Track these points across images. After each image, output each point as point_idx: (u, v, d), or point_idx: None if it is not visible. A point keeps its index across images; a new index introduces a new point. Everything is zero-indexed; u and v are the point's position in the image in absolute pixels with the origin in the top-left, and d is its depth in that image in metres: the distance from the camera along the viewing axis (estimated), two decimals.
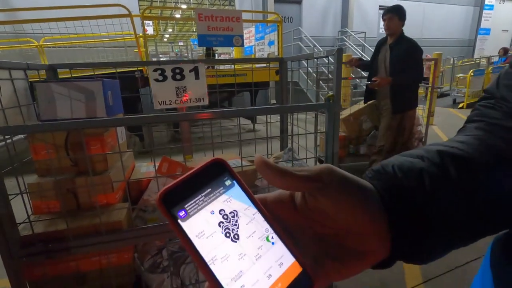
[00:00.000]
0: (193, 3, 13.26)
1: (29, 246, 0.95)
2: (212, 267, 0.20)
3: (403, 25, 2.77)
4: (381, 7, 10.34)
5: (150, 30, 7.68)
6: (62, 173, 1.14)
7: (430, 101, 3.92)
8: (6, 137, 0.99)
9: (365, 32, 8.66)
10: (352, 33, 8.62)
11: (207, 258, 0.20)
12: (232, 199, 0.22)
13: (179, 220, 0.20)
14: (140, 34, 4.75)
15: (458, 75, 7.89)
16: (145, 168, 1.49)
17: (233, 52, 8.50)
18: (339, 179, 0.24)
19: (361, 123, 3.34)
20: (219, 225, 0.21)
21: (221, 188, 0.22)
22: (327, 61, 1.18)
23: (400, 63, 2.56)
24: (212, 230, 0.21)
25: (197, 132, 5.03)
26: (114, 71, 1.55)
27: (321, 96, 6.05)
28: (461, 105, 7.84)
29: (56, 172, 1.11)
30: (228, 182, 0.23)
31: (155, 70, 1.46)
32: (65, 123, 0.93)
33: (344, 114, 3.29)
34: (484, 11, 12.22)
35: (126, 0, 7.00)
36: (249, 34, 6.15)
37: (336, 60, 1.07)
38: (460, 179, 0.27)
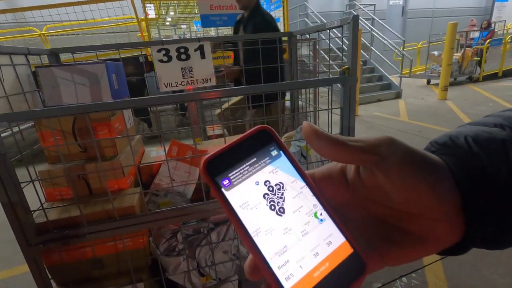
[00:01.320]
0: None
1: (45, 233, 0.95)
2: (256, 239, 0.19)
3: None
4: None
5: (152, 13, 7.50)
6: (71, 160, 1.12)
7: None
8: (13, 124, 0.97)
9: (374, 5, 8.25)
10: (360, 6, 8.22)
11: (250, 230, 0.19)
12: (278, 170, 0.21)
13: (222, 189, 0.19)
14: (142, 18, 4.63)
15: (432, 52, 7.47)
16: (155, 152, 1.47)
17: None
18: (402, 152, 0.21)
19: (240, 117, 2.41)
20: (264, 197, 0.20)
21: (267, 158, 0.21)
22: (341, 35, 1.09)
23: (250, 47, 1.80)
24: (257, 201, 0.20)
25: (206, 116, 4.99)
26: (118, 54, 1.50)
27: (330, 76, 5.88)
28: (476, 77, 7.52)
29: (65, 158, 1.09)
30: (274, 152, 0.21)
31: (159, 51, 1.40)
32: (69, 108, 0.90)
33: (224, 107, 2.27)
34: None
35: None
36: None
37: (352, 29, 0.99)
38: None
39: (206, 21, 4.23)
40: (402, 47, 7.00)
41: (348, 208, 0.23)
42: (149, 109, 2.02)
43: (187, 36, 12.03)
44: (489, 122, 0.25)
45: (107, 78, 1.17)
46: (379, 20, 7.53)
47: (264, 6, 5.53)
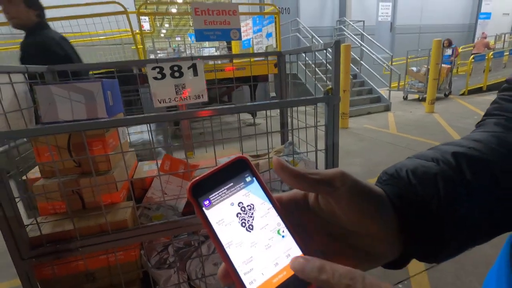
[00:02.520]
0: None
1: (38, 247, 0.97)
2: (227, 250, 0.23)
3: (38, 15, 1.88)
4: None
5: (146, 26, 7.62)
6: (66, 174, 1.15)
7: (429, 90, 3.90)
8: (10, 140, 1.00)
9: (363, 21, 8.55)
10: (350, 22, 8.52)
11: (224, 242, 0.23)
12: (250, 194, 0.25)
13: (203, 208, 0.24)
14: (137, 31, 4.71)
15: (410, 68, 7.74)
16: (148, 166, 1.50)
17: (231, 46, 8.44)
18: (350, 184, 0.25)
19: None
20: (237, 216, 0.24)
21: (242, 183, 0.25)
22: (325, 53, 1.19)
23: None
24: (231, 219, 0.24)
25: (197, 128, 5.04)
26: (113, 70, 1.55)
27: (320, 88, 6.02)
28: (462, 91, 7.79)
29: (60, 173, 1.12)
30: (248, 179, 0.25)
31: (153, 69, 1.46)
32: (66, 126, 0.94)
33: None
34: None
35: None
36: (247, 27, 6.09)
37: (334, 52, 1.07)
38: (476, 182, 0.27)
39: (200, 35, 4.32)
40: (390, 61, 7.24)
41: (308, 226, 0.27)
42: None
43: (181, 48, 12.20)
44: (428, 157, 0.30)
45: (102, 96, 1.22)
46: (367, 36, 7.79)
47: (257, 22, 5.70)
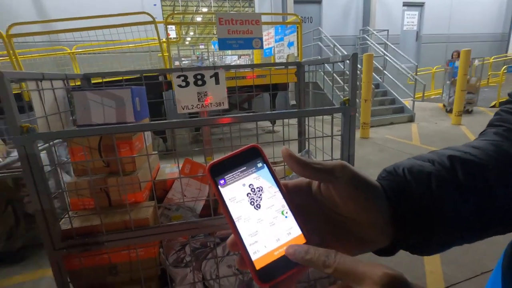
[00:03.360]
0: (213, 6, 13.52)
1: (69, 239, 1.06)
2: (237, 223, 0.27)
3: None
4: (405, 4, 10.01)
5: (172, 34, 7.94)
6: (95, 173, 1.25)
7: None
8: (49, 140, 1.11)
9: (387, 30, 8.42)
10: (374, 32, 8.41)
11: (234, 217, 0.27)
12: (260, 178, 0.29)
13: (219, 186, 0.27)
14: (163, 40, 4.94)
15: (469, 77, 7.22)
16: (169, 169, 1.58)
17: (253, 54, 8.58)
18: (350, 175, 0.28)
19: None
20: (247, 195, 0.28)
21: (254, 168, 0.29)
22: (344, 63, 1.22)
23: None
24: (242, 197, 0.28)
25: (217, 134, 5.15)
26: (141, 76, 1.66)
27: (341, 97, 5.97)
28: (493, 103, 7.42)
29: (90, 172, 1.22)
30: (259, 164, 0.29)
31: (178, 77, 1.55)
32: (99, 129, 1.03)
33: None
34: None
35: (150, 6, 7.30)
36: (268, 36, 6.19)
37: (351, 64, 1.10)
38: (469, 183, 0.30)
39: (223, 44, 4.45)
40: (415, 71, 7.06)
41: (309, 211, 0.30)
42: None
43: (205, 55, 12.56)
44: (425, 158, 0.33)
45: (131, 102, 1.31)
46: (391, 45, 7.65)
47: (279, 31, 5.78)
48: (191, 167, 1.40)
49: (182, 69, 1.55)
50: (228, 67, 2.04)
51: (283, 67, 2.25)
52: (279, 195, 0.29)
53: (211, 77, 1.59)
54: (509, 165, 0.31)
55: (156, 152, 1.55)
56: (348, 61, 1.15)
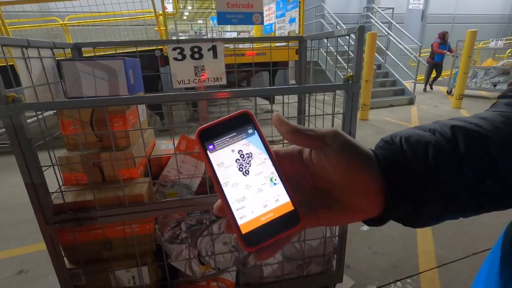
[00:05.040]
0: None
1: (61, 213, 1.04)
2: (224, 188, 0.27)
3: None
4: None
5: (169, 7, 7.62)
6: (88, 148, 1.21)
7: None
8: (38, 113, 1.06)
9: (393, 8, 8.13)
10: (378, 9, 8.12)
11: (222, 182, 0.27)
12: (250, 144, 0.28)
13: (207, 151, 0.27)
14: (160, 12, 4.73)
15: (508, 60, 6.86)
16: (165, 145, 1.54)
17: (253, 31, 8.30)
18: (341, 142, 0.27)
19: None
20: (236, 161, 0.27)
21: (244, 134, 0.28)
22: (348, 39, 1.15)
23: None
24: (230, 163, 0.27)
25: (214, 112, 5.07)
26: (135, 50, 1.58)
27: (341, 76, 5.86)
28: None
29: (82, 146, 1.18)
30: (250, 131, 0.28)
31: (174, 49, 1.47)
32: (89, 101, 0.98)
33: None
34: None
35: None
36: (269, 11, 5.95)
37: (357, 38, 1.03)
38: (470, 154, 0.28)
39: (222, 18, 4.25)
40: (418, 53, 6.90)
41: (300, 179, 0.30)
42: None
43: (203, 31, 12.16)
44: (427, 128, 0.31)
45: (124, 74, 1.25)
46: (396, 24, 7.42)
47: (280, 7, 5.55)
48: (187, 144, 1.36)
49: (178, 41, 1.48)
50: (226, 40, 1.95)
51: (285, 43, 2.14)
52: (268, 162, 0.28)
53: (208, 50, 1.52)
54: None
55: (152, 128, 1.51)
56: (353, 35, 1.08)
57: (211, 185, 1.30)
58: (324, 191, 0.29)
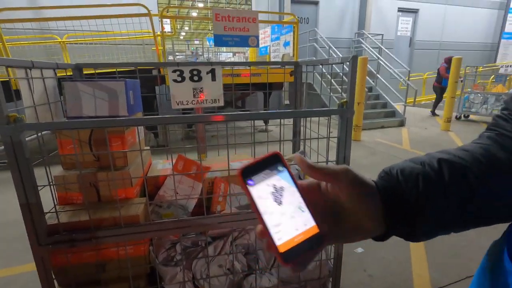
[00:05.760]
0: (210, 2, 13.39)
1: (55, 234, 1.02)
2: (264, 216, 0.33)
3: None
4: (400, 9, 10.15)
5: (167, 28, 7.82)
6: (85, 167, 1.21)
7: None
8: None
9: (382, 34, 8.52)
10: (369, 35, 8.49)
11: (261, 211, 0.33)
12: (281, 180, 0.35)
13: (248, 186, 0.33)
14: (158, 33, 4.85)
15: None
16: (161, 165, 1.55)
17: (248, 52, 8.54)
18: (351, 178, 0.34)
19: None
20: (271, 194, 0.34)
21: (275, 171, 0.35)
22: (342, 66, 1.22)
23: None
24: (267, 196, 0.34)
25: (210, 131, 5.10)
26: (135, 69, 1.62)
27: (335, 99, 6.01)
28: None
29: (80, 166, 1.18)
30: (280, 168, 0.35)
31: (174, 71, 1.51)
32: (90, 122, 0.99)
33: None
34: (510, 15, 11.76)
35: None
36: (265, 35, 6.17)
37: (351, 67, 1.09)
38: (453, 183, 0.35)
39: (219, 40, 4.40)
40: (407, 77, 7.17)
41: (319, 205, 0.36)
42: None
43: (199, 51, 12.43)
44: (418, 160, 0.38)
45: (125, 95, 1.28)
46: (385, 50, 7.74)
47: (275, 30, 5.77)
48: (184, 164, 1.37)
49: (178, 63, 1.52)
50: (225, 64, 2.02)
51: (280, 66, 2.22)
52: (296, 194, 0.34)
53: (207, 73, 1.57)
54: (491, 166, 0.36)
55: (149, 148, 1.52)
56: (348, 63, 1.14)
57: (208, 205, 1.30)
58: (340, 215, 0.36)
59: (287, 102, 8.05)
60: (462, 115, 7.12)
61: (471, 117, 7.12)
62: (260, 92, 6.06)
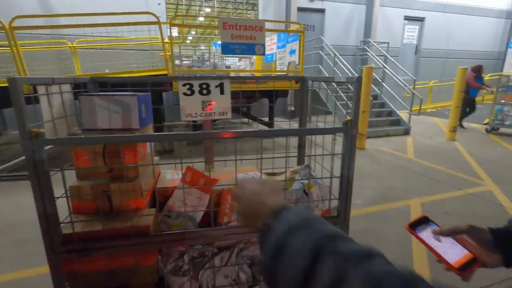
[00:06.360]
0: (216, 7, 13.57)
1: (69, 243, 1.07)
2: (436, 249, 0.63)
3: None
4: (406, 17, 10.18)
5: (174, 33, 7.94)
6: (98, 177, 1.26)
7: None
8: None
9: (388, 42, 8.55)
10: (374, 43, 8.53)
11: (432, 246, 0.63)
12: (432, 228, 0.67)
13: (418, 233, 0.66)
14: (166, 40, 4.95)
15: None
16: (170, 175, 1.60)
17: (254, 57, 8.62)
18: (473, 229, 0.64)
19: None
20: (432, 237, 0.65)
21: (428, 226, 0.68)
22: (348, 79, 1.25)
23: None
24: (429, 237, 0.65)
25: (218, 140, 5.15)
26: (142, 75, 1.68)
27: (340, 107, 6.05)
28: (487, 120, 7.55)
29: (93, 176, 1.23)
30: (431, 223, 0.69)
31: (184, 85, 1.57)
32: (106, 138, 1.05)
33: None
34: None
35: (154, 4, 7.30)
36: (271, 42, 6.24)
37: (356, 88, 1.13)
38: None
39: (226, 48, 4.48)
40: (413, 85, 7.18)
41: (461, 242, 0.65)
42: (163, 123, 2.18)
43: (206, 56, 12.57)
44: None
45: (137, 108, 1.33)
46: (391, 58, 7.77)
47: (282, 38, 5.84)
48: (192, 176, 1.42)
49: (188, 77, 1.58)
50: (233, 78, 2.07)
51: (285, 73, 2.27)
52: (449, 238, 0.65)
53: (216, 86, 1.62)
54: None
55: (159, 164, 1.57)
56: (353, 84, 1.18)
57: (215, 217, 1.35)
58: (473, 252, 0.63)
59: (291, 108, 8.10)
60: (492, 128, 6.66)
61: (501, 130, 6.61)
62: (265, 98, 6.12)
